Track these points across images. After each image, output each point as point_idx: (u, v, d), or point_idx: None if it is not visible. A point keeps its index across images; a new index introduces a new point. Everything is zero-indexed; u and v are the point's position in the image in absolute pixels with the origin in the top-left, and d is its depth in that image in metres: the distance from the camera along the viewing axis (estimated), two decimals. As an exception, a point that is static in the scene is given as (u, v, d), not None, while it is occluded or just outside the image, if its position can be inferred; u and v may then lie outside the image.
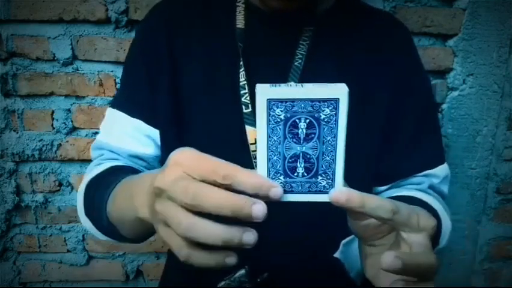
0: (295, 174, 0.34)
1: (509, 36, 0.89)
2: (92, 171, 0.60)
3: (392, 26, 0.66)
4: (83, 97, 0.90)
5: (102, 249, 1.01)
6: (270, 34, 0.58)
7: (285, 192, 0.34)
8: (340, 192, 0.32)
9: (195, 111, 0.59)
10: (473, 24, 0.88)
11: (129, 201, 0.42)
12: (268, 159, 0.33)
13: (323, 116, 0.32)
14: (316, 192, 0.35)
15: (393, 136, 0.61)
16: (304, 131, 0.32)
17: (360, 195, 0.32)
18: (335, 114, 0.32)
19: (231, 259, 0.33)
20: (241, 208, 0.30)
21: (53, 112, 0.91)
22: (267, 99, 0.32)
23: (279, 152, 0.33)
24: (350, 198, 0.32)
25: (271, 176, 0.34)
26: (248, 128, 0.55)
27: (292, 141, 0.33)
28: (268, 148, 0.33)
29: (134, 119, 0.61)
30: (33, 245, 1.00)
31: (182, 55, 0.59)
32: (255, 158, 0.49)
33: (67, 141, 0.92)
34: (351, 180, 0.58)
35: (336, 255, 0.61)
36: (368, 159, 0.60)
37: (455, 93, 0.93)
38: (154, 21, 0.62)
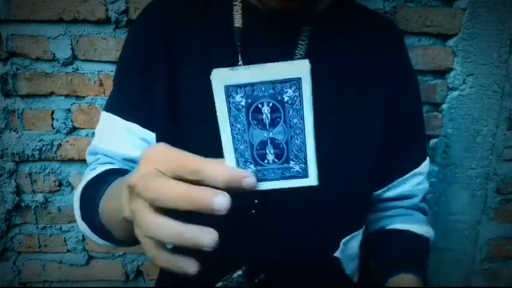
0: (266, 161, 0.32)
1: (509, 36, 0.89)
2: (88, 175, 0.59)
3: (388, 26, 0.66)
4: (83, 97, 0.90)
5: (102, 249, 1.01)
6: (268, 34, 0.58)
7: (258, 180, 0.33)
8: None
9: (192, 113, 0.58)
10: (473, 24, 0.88)
11: (116, 202, 0.42)
12: (235, 149, 0.32)
13: (286, 98, 0.30)
14: (290, 177, 0.33)
15: (389, 136, 0.61)
16: (268, 115, 0.31)
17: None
18: (299, 94, 0.30)
19: (191, 268, 0.32)
20: (202, 200, 0.29)
21: (53, 112, 0.91)
22: (225, 86, 0.30)
23: (245, 140, 0.32)
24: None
25: (240, 165, 0.32)
26: None
27: (258, 127, 0.31)
28: (233, 137, 0.32)
29: (129, 123, 0.60)
30: (33, 245, 1.00)
31: (179, 55, 0.59)
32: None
33: (67, 141, 0.92)
34: (352, 183, 0.59)
35: (336, 254, 0.61)
36: (368, 159, 0.60)
37: (455, 93, 0.93)
38: (148, 21, 0.61)
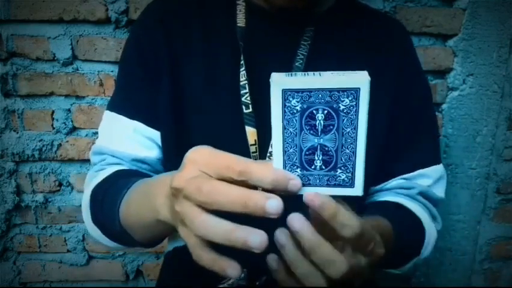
0: (313, 167, 0.33)
1: (509, 36, 0.89)
2: (97, 176, 0.58)
3: (392, 26, 0.66)
4: (83, 97, 0.90)
5: (102, 249, 1.01)
6: (271, 33, 0.58)
7: (303, 185, 0.33)
8: (316, 195, 0.31)
9: (195, 112, 0.58)
10: (473, 24, 0.88)
11: (148, 204, 0.42)
12: (284, 152, 0.32)
13: (342, 107, 0.30)
14: (335, 185, 0.33)
15: (391, 135, 0.61)
16: (322, 122, 0.31)
17: (335, 205, 0.31)
18: (355, 104, 0.30)
19: (234, 271, 0.33)
20: (255, 204, 0.29)
21: (53, 112, 0.91)
22: (282, 90, 0.30)
23: (296, 144, 0.32)
24: (324, 205, 0.31)
25: (287, 168, 0.33)
26: (248, 129, 0.55)
27: (310, 133, 0.32)
28: (284, 140, 0.32)
29: (134, 121, 0.59)
30: (33, 245, 1.00)
31: (182, 54, 0.58)
32: (256, 159, 0.48)
33: (67, 141, 0.92)
34: None
35: None
36: (370, 159, 0.60)
37: (455, 93, 0.93)
38: (150, 20, 0.61)
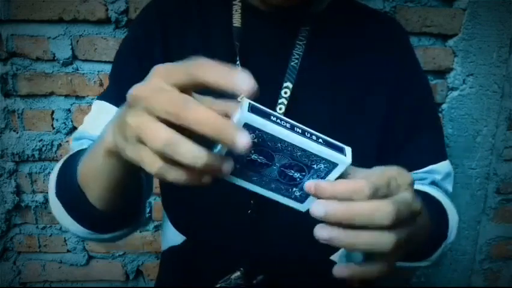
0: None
1: (509, 36, 0.89)
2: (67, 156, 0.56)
3: (389, 25, 0.66)
4: (83, 97, 0.90)
5: (102, 249, 1.01)
6: (267, 33, 0.58)
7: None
8: (319, 205, 0.31)
9: None
10: (473, 24, 0.88)
11: (98, 141, 0.40)
12: None
13: (316, 167, 0.32)
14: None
15: (393, 134, 0.61)
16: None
17: (343, 208, 0.31)
18: (329, 171, 0.32)
19: (207, 178, 0.30)
20: (227, 128, 0.27)
21: (53, 112, 0.91)
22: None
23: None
24: (330, 212, 0.31)
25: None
26: None
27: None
28: None
29: (119, 109, 0.58)
30: (33, 245, 1.00)
31: (178, 54, 0.58)
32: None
33: (67, 141, 0.92)
34: None
35: (333, 257, 0.61)
36: (367, 159, 0.60)
37: (455, 93, 0.93)
38: (147, 19, 0.61)
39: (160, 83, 0.30)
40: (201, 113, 0.27)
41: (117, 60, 0.64)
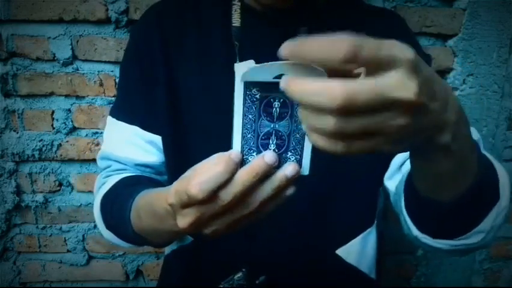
0: (267, 150, 0.35)
1: (509, 36, 0.89)
2: (105, 184, 0.62)
3: (390, 19, 0.65)
4: (83, 97, 0.90)
5: (102, 249, 1.01)
6: (266, 33, 0.58)
7: None
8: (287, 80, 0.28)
9: (192, 113, 0.59)
10: (473, 24, 0.88)
11: (160, 218, 0.44)
12: (243, 137, 0.35)
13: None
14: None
15: None
16: (278, 110, 0.34)
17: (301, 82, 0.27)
18: None
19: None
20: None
21: (53, 112, 0.91)
22: (245, 82, 0.32)
23: (253, 130, 0.35)
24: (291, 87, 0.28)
25: (244, 152, 0.35)
26: None
27: (266, 119, 0.34)
28: (243, 126, 0.34)
29: (133, 126, 0.61)
30: (33, 245, 1.00)
31: (178, 57, 0.59)
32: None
33: (67, 141, 0.92)
34: (360, 174, 0.58)
35: (339, 251, 0.61)
36: (373, 156, 0.60)
37: (455, 93, 0.93)
38: (147, 24, 0.62)
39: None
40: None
41: (121, 72, 0.66)
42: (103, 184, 0.62)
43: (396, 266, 1.06)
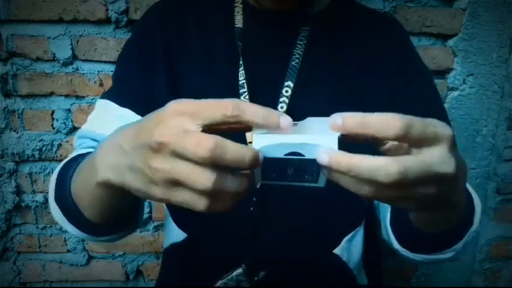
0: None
1: (509, 36, 0.89)
2: (67, 158, 0.57)
3: (389, 24, 0.66)
4: (83, 97, 0.90)
5: (102, 249, 1.01)
6: (268, 34, 0.59)
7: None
8: (327, 152, 0.29)
9: None
10: (473, 24, 0.88)
11: (88, 166, 0.39)
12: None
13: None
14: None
15: None
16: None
17: (349, 157, 0.28)
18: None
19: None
20: (256, 160, 0.29)
21: (53, 112, 0.91)
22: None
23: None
24: (336, 161, 0.28)
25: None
26: None
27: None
28: None
29: (123, 109, 0.59)
30: (33, 245, 1.00)
31: (180, 55, 0.59)
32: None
33: (67, 141, 0.92)
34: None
35: (336, 251, 0.61)
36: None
37: (455, 93, 0.93)
38: (150, 21, 0.62)
39: (183, 124, 0.29)
40: (236, 153, 0.29)
41: (120, 62, 0.65)
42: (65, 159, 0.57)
43: (396, 266, 1.06)
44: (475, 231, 0.53)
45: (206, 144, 0.28)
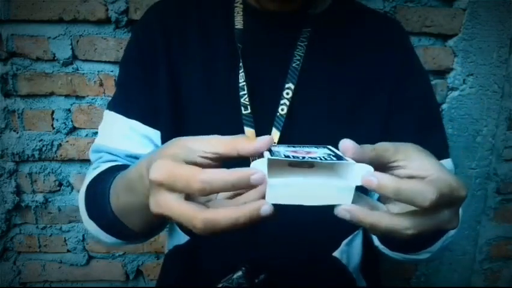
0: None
1: (509, 36, 0.89)
2: (92, 173, 0.59)
3: (389, 25, 0.66)
4: (83, 97, 0.90)
5: (102, 249, 1.01)
6: (269, 35, 0.58)
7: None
8: (371, 175, 0.30)
9: (194, 112, 0.59)
10: (473, 24, 0.88)
11: (134, 191, 0.42)
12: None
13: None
14: None
15: (395, 133, 0.61)
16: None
17: (395, 180, 0.30)
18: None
19: (266, 207, 0.33)
20: (247, 175, 0.30)
21: (53, 112, 0.91)
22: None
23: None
24: (382, 184, 0.29)
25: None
26: (247, 130, 0.55)
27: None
28: None
29: (131, 120, 0.60)
30: (34, 245, 1.00)
31: (180, 56, 0.59)
32: (254, 159, 0.48)
33: (67, 141, 0.92)
34: None
35: (336, 254, 0.61)
36: None
37: (455, 93, 0.93)
38: (150, 22, 0.62)
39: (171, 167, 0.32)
40: (222, 176, 0.30)
41: (122, 67, 0.65)
42: (90, 174, 0.60)
43: (396, 266, 1.06)
44: (451, 237, 0.57)
45: (196, 178, 0.30)
